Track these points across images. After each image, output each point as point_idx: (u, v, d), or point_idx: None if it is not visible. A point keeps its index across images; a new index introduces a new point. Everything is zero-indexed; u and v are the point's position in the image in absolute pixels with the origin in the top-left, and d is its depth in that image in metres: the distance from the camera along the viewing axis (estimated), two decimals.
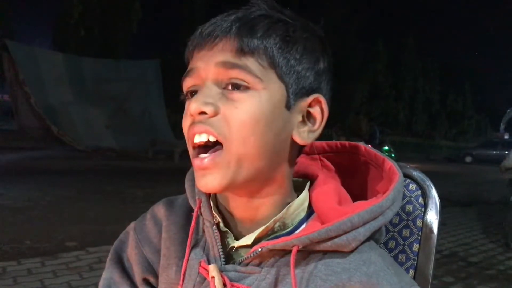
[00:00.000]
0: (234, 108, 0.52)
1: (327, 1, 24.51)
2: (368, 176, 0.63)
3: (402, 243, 0.69)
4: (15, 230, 4.11)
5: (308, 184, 0.62)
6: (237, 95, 0.52)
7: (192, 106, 0.52)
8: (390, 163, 0.60)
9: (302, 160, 0.66)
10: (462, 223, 6.01)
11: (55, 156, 10.77)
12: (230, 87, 0.53)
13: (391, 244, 0.70)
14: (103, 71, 14.66)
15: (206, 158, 0.53)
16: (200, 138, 0.53)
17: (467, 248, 4.77)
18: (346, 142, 0.66)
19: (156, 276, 0.67)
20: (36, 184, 6.58)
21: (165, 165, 10.53)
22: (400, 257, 0.69)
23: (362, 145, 0.65)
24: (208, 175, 0.53)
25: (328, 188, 0.59)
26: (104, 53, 16.50)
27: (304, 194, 0.60)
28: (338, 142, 0.67)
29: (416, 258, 0.68)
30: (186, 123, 0.55)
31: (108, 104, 14.05)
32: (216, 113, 0.52)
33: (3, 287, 2.87)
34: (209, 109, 0.52)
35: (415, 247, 0.69)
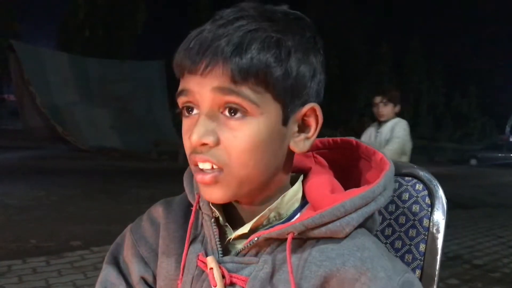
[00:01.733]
0: (233, 137, 0.52)
1: (332, 3, 24.49)
2: (361, 169, 0.64)
3: (408, 243, 0.69)
4: (20, 229, 4.13)
5: (301, 176, 0.63)
6: (234, 123, 0.52)
7: (194, 138, 0.52)
8: (380, 154, 0.60)
9: (296, 156, 0.66)
10: (466, 225, 5.99)
11: (59, 156, 10.82)
12: (227, 113, 0.52)
13: (398, 244, 0.70)
14: (107, 71, 14.71)
15: (207, 175, 0.54)
16: (204, 166, 0.54)
17: (472, 250, 4.75)
18: (338, 138, 0.67)
19: (153, 275, 0.68)
20: (41, 183, 6.60)
21: (169, 165, 10.56)
22: (406, 257, 0.69)
23: (353, 139, 0.65)
24: (211, 189, 0.55)
25: (321, 178, 0.60)
26: (109, 53, 16.58)
27: (298, 185, 0.61)
28: (330, 139, 0.67)
29: (422, 258, 0.68)
30: (187, 145, 0.55)
31: (113, 104, 14.09)
32: (217, 143, 0.52)
33: (8, 286, 2.88)
34: (210, 140, 0.52)
35: (422, 247, 0.69)
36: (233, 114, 0.52)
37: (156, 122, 15.07)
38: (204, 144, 0.53)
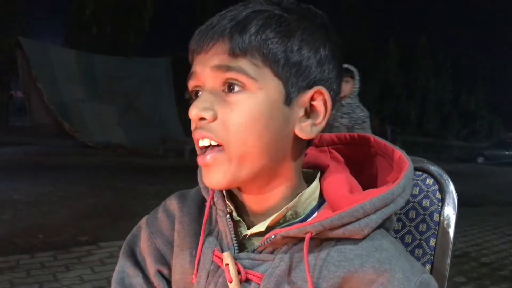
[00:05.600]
0: (231, 110, 0.52)
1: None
2: (378, 166, 0.63)
3: (418, 238, 0.69)
4: (28, 224, 4.17)
5: (318, 174, 0.62)
6: (233, 97, 0.53)
7: (192, 113, 0.53)
8: (399, 153, 0.59)
9: (312, 152, 0.67)
10: (473, 223, 5.96)
11: (67, 152, 10.88)
12: (226, 89, 0.53)
13: (408, 238, 0.69)
14: (114, 68, 14.74)
15: (208, 155, 0.54)
16: (203, 143, 0.54)
17: (479, 248, 4.73)
18: (355, 134, 0.66)
19: (169, 267, 0.68)
20: (49, 179, 6.64)
21: (175, 162, 10.58)
22: (416, 251, 0.69)
23: (371, 136, 0.64)
24: (212, 172, 0.55)
25: (339, 177, 0.60)
26: (116, 50, 16.60)
27: (315, 183, 0.60)
28: (347, 134, 0.66)
29: (432, 253, 0.68)
30: (192, 125, 0.56)
31: (119, 101, 14.13)
32: (214, 118, 0.53)
33: (16, 280, 2.91)
34: (207, 115, 0.53)
35: (432, 242, 0.68)
36: (232, 89, 0.53)
37: (163, 119, 15.09)
38: (202, 119, 0.54)
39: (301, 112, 0.56)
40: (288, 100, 0.54)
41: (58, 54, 13.98)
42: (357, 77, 3.35)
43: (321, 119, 0.57)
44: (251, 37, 0.52)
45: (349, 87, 3.31)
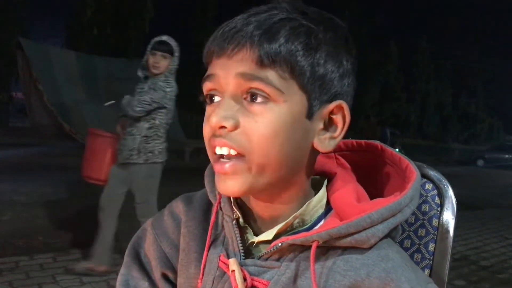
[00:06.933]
0: (254, 122, 0.51)
1: (339, 1, 24.41)
2: (385, 175, 0.63)
3: (417, 243, 0.69)
4: (28, 226, 4.16)
5: (325, 181, 0.62)
6: (257, 107, 0.52)
7: (213, 120, 0.52)
8: (407, 162, 0.59)
9: (319, 158, 0.66)
10: (473, 226, 5.96)
11: (67, 153, 10.88)
12: (249, 98, 0.52)
13: (407, 243, 0.69)
14: (115, 69, 14.72)
15: (227, 163, 0.53)
16: (221, 151, 0.53)
17: (479, 251, 4.73)
18: (363, 141, 0.66)
19: (174, 271, 0.68)
20: (49, 180, 6.64)
21: (175, 164, 10.57)
22: (415, 256, 0.69)
23: (378, 143, 0.64)
24: (229, 180, 0.54)
25: (346, 185, 0.59)
26: (117, 52, 16.61)
27: (322, 191, 0.60)
28: (354, 141, 0.66)
29: (431, 258, 0.68)
30: (206, 131, 0.55)
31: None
32: (236, 127, 0.52)
33: (16, 282, 2.90)
34: (229, 124, 0.51)
35: (431, 246, 0.68)
36: (255, 99, 0.52)
37: None
38: (222, 127, 0.52)
39: (321, 125, 0.56)
40: (310, 114, 0.54)
41: (58, 55, 13.97)
42: (176, 54, 2.97)
43: (339, 132, 0.57)
44: (280, 48, 0.50)
45: (166, 64, 2.90)
